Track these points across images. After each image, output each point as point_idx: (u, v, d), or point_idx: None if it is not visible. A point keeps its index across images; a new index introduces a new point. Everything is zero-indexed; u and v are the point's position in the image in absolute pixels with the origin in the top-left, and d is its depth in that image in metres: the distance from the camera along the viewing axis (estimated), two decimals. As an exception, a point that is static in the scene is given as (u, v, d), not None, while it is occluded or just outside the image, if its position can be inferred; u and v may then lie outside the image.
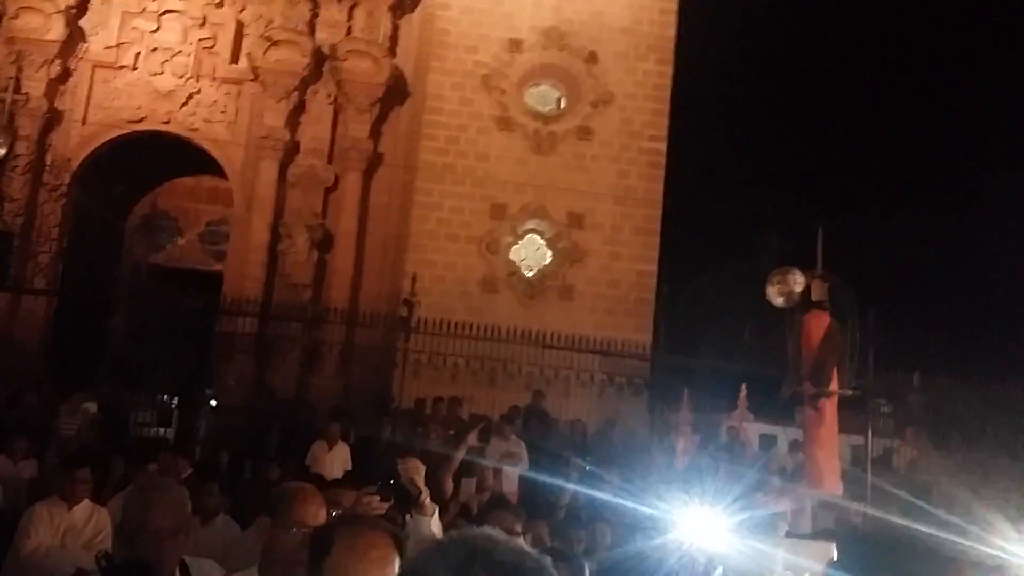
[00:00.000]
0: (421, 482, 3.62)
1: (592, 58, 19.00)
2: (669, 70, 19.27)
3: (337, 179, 18.73)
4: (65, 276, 17.85)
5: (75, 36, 18.27)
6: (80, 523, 5.57)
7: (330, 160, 18.77)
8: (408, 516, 3.58)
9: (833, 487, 7.76)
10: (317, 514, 3.13)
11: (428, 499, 3.64)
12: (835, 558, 1.69)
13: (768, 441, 16.89)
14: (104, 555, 2.94)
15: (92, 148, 18.56)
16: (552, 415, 15.28)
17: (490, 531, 1.40)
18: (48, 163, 17.89)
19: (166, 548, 3.06)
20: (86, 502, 5.79)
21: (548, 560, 1.40)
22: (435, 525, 3.70)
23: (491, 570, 1.29)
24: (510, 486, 10.84)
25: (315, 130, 18.76)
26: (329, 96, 18.74)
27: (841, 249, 10.68)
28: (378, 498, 3.40)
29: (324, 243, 18.50)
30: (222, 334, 17.06)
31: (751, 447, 14.99)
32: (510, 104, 18.77)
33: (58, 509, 5.64)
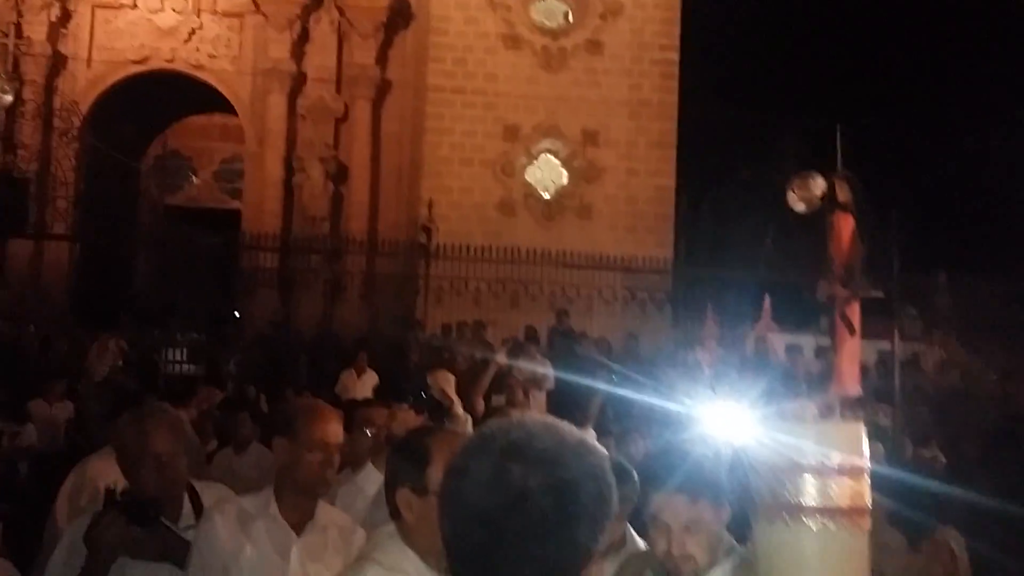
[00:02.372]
0: (452, 392, 3.62)
1: (598, -32, 18.53)
2: (678, -24, 18.78)
3: (347, 109, 18.57)
4: (84, 220, 17.94)
5: (72, -23, 18.04)
6: None
7: (338, 90, 18.58)
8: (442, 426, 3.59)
9: (854, 388, 7.79)
10: (337, 432, 2.99)
11: (460, 408, 3.64)
12: (867, 447, 1.63)
13: (794, 351, 16.85)
14: (108, 490, 2.86)
15: (99, 90, 18.48)
16: (576, 333, 15.33)
17: (530, 419, 1.35)
18: (57, 107, 17.83)
19: (167, 473, 2.96)
20: None
21: (592, 440, 1.35)
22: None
23: (529, 462, 1.27)
24: (538, 406, 10.94)
25: (321, 59, 18.54)
26: (332, 23, 18.45)
27: (862, 149, 10.50)
28: (412, 412, 3.39)
29: (339, 175, 18.44)
30: (244, 270, 17.18)
31: (777, 357, 14.99)
32: (516, 21, 18.39)
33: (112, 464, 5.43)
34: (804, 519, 1.62)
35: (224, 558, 2.85)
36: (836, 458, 1.62)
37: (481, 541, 1.27)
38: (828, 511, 1.62)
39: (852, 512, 1.63)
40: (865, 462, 1.65)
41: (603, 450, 1.36)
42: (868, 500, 1.63)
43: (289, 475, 2.93)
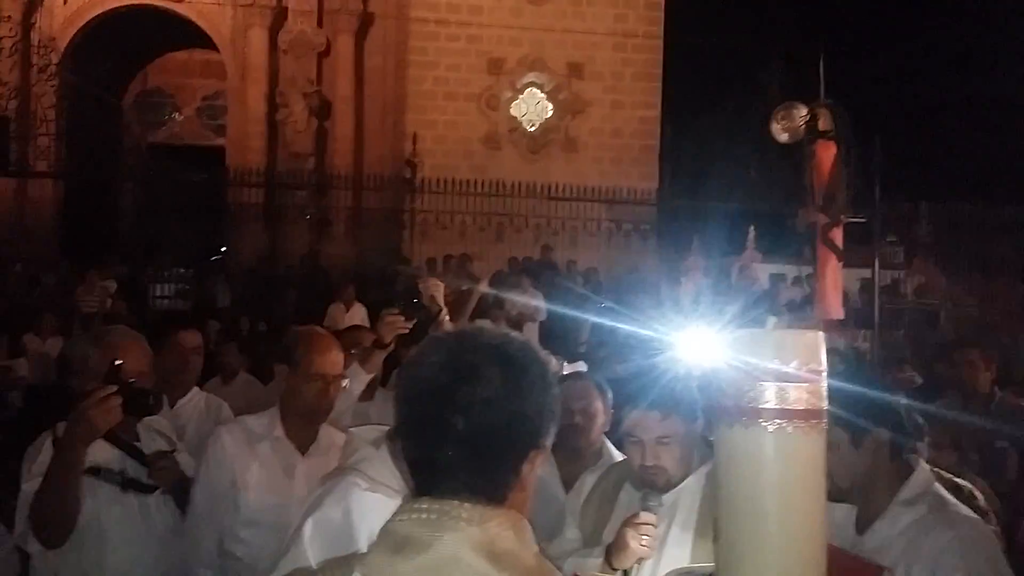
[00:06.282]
0: (441, 300, 3.60)
1: None
2: (663, -98, 18.45)
3: (329, 43, 18.32)
4: (67, 158, 17.79)
5: (46, -91, 17.59)
6: None
7: (320, 23, 18.31)
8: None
9: (837, 312, 7.87)
10: (335, 362, 3.02)
11: (448, 316, 3.64)
12: (823, 352, 1.67)
13: (778, 280, 17.01)
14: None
15: (77, 26, 18.18)
16: (561, 266, 15.44)
17: (479, 325, 1.46)
18: (35, 44, 17.53)
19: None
20: None
21: (534, 343, 1.45)
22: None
23: (478, 351, 1.36)
24: (531, 336, 11.10)
25: (302, -8, 18.22)
26: (313, -45, 18.11)
27: (846, 77, 10.50)
28: (401, 317, 3.37)
29: (322, 110, 18.27)
30: (231, 205, 17.14)
31: (760, 284, 15.14)
32: (500, -48, 18.10)
33: None
34: (761, 422, 1.62)
35: (232, 474, 2.98)
36: (793, 363, 1.63)
37: (432, 412, 1.34)
38: (784, 413, 1.62)
39: (808, 414, 1.63)
40: (823, 367, 1.67)
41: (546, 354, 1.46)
42: (824, 403, 1.65)
43: (291, 402, 3.05)
